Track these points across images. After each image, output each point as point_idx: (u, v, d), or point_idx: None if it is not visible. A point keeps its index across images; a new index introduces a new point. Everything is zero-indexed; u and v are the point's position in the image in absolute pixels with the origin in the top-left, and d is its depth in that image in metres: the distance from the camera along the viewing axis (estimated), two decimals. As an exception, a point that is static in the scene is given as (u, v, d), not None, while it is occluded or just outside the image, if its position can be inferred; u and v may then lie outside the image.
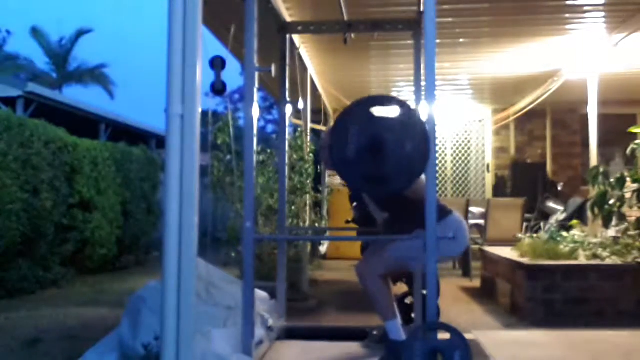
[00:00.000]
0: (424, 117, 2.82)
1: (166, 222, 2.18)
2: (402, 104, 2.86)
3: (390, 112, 2.87)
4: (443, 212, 3.25)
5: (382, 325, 3.69)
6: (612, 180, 5.17)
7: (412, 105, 2.88)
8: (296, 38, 5.77)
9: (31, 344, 3.93)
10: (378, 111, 2.88)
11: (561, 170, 10.31)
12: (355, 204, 5.79)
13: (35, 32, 22.69)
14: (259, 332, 3.43)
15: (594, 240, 5.21)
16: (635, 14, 5.46)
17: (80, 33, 23.56)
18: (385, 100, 3.01)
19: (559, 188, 9.52)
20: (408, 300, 4.22)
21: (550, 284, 4.65)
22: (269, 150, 6.14)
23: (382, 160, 2.79)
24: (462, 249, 3.50)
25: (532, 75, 7.83)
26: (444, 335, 2.67)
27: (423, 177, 3.06)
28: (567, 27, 5.95)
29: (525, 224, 7.49)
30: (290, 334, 3.83)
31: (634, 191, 5.08)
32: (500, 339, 4.00)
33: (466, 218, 7.08)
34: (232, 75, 4.56)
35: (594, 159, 6.50)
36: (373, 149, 2.77)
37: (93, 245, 7.69)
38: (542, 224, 7.62)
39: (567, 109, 10.05)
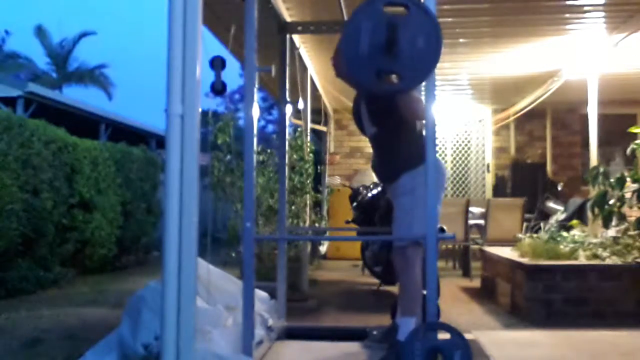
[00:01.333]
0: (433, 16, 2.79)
1: (166, 222, 2.18)
2: (414, 2, 2.83)
3: (402, 9, 2.85)
4: (420, 158, 3.30)
5: (382, 325, 3.70)
6: (612, 180, 5.17)
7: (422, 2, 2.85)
8: (296, 38, 5.77)
9: (31, 344, 3.93)
10: (389, 9, 2.86)
11: (561, 170, 10.31)
12: (355, 204, 5.82)
13: (39, 32, 22.69)
14: (259, 332, 3.44)
15: (594, 240, 5.21)
16: (635, 14, 5.46)
17: (83, 35, 23.61)
18: None
19: (559, 188, 9.51)
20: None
21: (550, 284, 4.65)
22: (269, 150, 6.14)
23: (395, 56, 2.76)
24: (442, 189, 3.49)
25: (532, 75, 7.83)
26: (444, 335, 2.67)
27: (420, 95, 3.11)
28: (567, 27, 5.95)
29: (525, 224, 7.49)
30: (290, 334, 3.83)
31: (634, 191, 5.08)
32: (500, 339, 4.00)
33: (466, 218, 7.09)
34: (232, 75, 4.57)
35: (594, 159, 6.49)
36: (386, 45, 2.74)
37: (93, 245, 7.69)
38: (542, 224, 7.61)
39: (567, 109, 10.05)
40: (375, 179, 5.04)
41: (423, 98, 3.11)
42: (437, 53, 2.77)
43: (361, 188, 5.97)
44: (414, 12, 2.80)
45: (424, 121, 3.22)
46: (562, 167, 10.33)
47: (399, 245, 3.37)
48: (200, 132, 2.26)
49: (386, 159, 3.54)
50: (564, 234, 5.38)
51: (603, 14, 5.59)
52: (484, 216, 7.37)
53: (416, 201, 3.22)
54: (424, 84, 2.89)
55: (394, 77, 2.96)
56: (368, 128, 3.56)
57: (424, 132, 3.02)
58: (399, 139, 3.43)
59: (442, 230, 3.86)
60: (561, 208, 7.82)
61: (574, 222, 6.08)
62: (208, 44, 2.64)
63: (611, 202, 5.13)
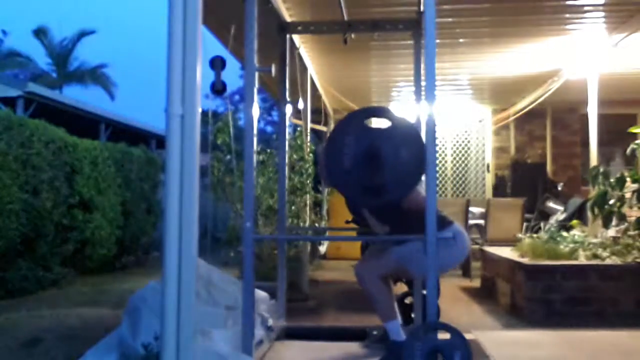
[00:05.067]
0: (423, 119, 2.82)
1: (166, 222, 2.18)
2: (395, 116, 2.86)
3: (385, 122, 2.87)
4: (443, 222, 3.25)
5: (382, 325, 3.70)
6: (612, 180, 5.17)
7: (407, 115, 2.88)
8: (296, 38, 5.77)
9: (31, 344, 3.93)
10: (372, 122, 2.89)
11: (561, 170, 10.31)
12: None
13: (39, 33, 22.67)
14: (259, 332, 3.44)
15: (594, 240, 5.22)
16: (635, 14, 5.46)
17: (83, 34, 23.58)
18: (379, 111, 3.00)
19: (559, 188, 9.52)
20: (408, 300, 4.22)
21: (550, 284, 4.65)
22: (269, 150, 6.14)
23: (378, 169, 2.80)
24: (462, 258, 3.48)
25: (532, 75, 7.83)
26: (444, 335, 2.67)
27: (421, 187, 3.07)
28: (567, 27, 5.95)
29: (525, 224, 7.49)
30: (290, 334, 3.83)
31: (634, 191, 5.08)
32: (500, 339, 4.00)
33: (466, 218, 7.09)
34: (232, 76, 4.56)
35: (594, 159, 6.49)
36: (369, 158, 2.77)
37: (93, 245, 7.69)
38: (542, 224, 7.62)
39: (567, 109, 10.05)
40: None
41: (423, 192, 3.13)
42: (422, 164, 2.78)
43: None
44: (397, 124, 2.82)
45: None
46: (562, 167, 10.33)
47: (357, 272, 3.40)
48: (200, 132, 2.26)
49: (403, 230, 3.39)
50: (564, 234, 5.38)
51: (603, 14, 5.59)
52: (484, 216, 7.37)
53: (410, 255, 3.21)
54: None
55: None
56: (380, 228, 3.47)
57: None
58: (415, 218, 3.15)
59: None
60: (561, 208, 7.82)
61: (574, 222, 6.08)
62: (208, 44, 2.64)
63: (611, 202, 5.13)
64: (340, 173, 2.86)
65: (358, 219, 3.72)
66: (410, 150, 2.81)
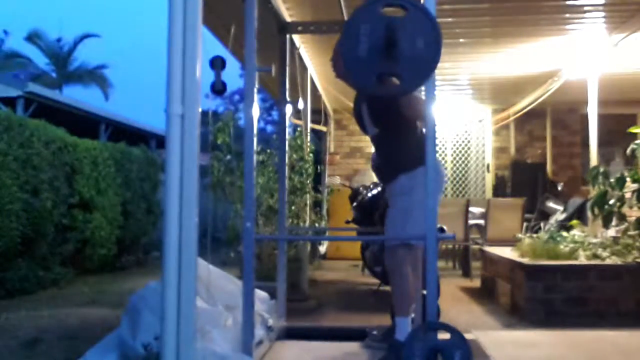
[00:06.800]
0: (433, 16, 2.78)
1: (166, 222, 2.18)
2: (412, 3, 2.81)
3: (401, 10, 2.84)
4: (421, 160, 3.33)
5: (382, 325, 3.70)
6: (612, 180, 5.17)
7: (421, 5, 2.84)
8: (296, 38, 5.77)
9: (31, 344, 3.93)
10: (389, 10, 2.85)
11: (561, 170, 10.31)
12: (355, 204, 5.82)
13: (33, 37, 22.64)
14: (259, 332, 3.44)
15: (594, 240, 5.21)
16: (635, 14, 5.46)
17: (86, 36, 23.62)
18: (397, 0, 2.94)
19: (559, 188, 9.52)
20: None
21: (550, 284, 4.65)
22: (269, 150, 6.14)
23: (394, 58, 2.75)
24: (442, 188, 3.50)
25: (532, 75, 7.83)
26: (444, 335, 2.67)
27: (422, 95, 3.10)
28: (567, 27, 5.95)
29: (525, 224, 7.49)
30: (290, 334, 3.83)
31: (634, 191, 5.07)
32: (500, 339, 4.00)
33: (466, 218, 7.09)
34: (232, 76, 4.56)
35: (594, 159, 6.49)
36: (385, 47, 2.72)
37: (93, 245, 7.69)
38: (542, 224, 7.62)
39: (567, 109, 10.05)
40: (375, 179, 5.03)
41: (423, 98, 3.10)
42: (437, 54, 2.76)
43: (361, 188, 5.96)
44: (412, 14, 2.78)
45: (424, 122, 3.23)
46: (562, 167, 10.33)
47: (390, 245, 3.38)
48: (200, 132, 2.26)
49: (386, 159, 3.55)
50: (564, 234, 5.37)
51: (603, 14, 5.59)
52: (484, 216, 7.36)
53: (412, 202, 3.25)
54: (423, 85, 2.89)
55: (394, 79, 2.95)
56: (370, 128, 3.56)
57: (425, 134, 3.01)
58: (400, 140, 3.43)
59: (442, 230, 3.86)
60: (561, 208, 7.82)
61: (574, 222, 6.08)
62: (208, 44, 2.64)
63: (611, 202, 5.13)
64: (355, 61, 2.81)
65: (355, 116, 3.70)
66: (426, 40, 2.76)
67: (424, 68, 2.79)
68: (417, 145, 3.27)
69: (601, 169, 5.39)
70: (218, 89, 2.93)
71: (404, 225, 3.29)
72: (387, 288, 5.70)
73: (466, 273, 7.12)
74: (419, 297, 3.38)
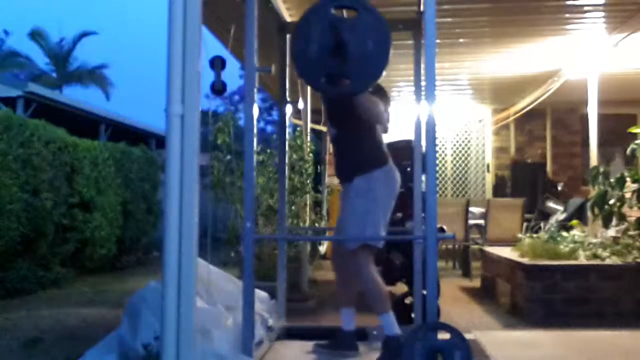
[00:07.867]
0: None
1: (166, 222, 2.18)
2: (363, 5, 2.84)
3: (352, 13, 2.86)
4: (376, 163, 3.27)
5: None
6: (612, 180, 5.17)
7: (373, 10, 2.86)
8: (296, 38, 5.76)
9: (31, 344, 3.93)
10: (339, 12, 2.88)
11: (561, 170, 10.31)
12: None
13: (35, 35, 22.64)
14: (259, 332, 3.44)
15: (594, 240, 5.22)
16: (635, 14, 5.46)
17: (84, 34, 23.59)
18: (346, 1, 2.96)
19: (559, 188, 9.52)
20: (408, 300, 4.22)
21: (550, 284, 4.65)
22: (269, 150, 6.14)
23: (343, 59, 2.77)
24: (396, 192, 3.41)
25: (532, 75, 7.82)
26: (444, 335, 2.67)
27: (382, 104, 3.19)
28: (567, 27, 5.95)
29: (525, 224, 7.49)
30: (290, 334, 3.83)
31: (634, 191, 5.08)
32: (500, 339, 4.00)
33: (466, 218, 7.09)
34: (232, 76, 4.56)
35: (594, 159, 6.49)
36: (334, 48, 2.75)
37: (93, 245, 7.69)
38: (542, 224, 7.62)
39: (567, 109, 10.05)
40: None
41: (379, 100, 3.14)
42: (386, 55, 2.78)
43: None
44: (363, 15, 2.81)
45: (386, 125, 3.28)
46: (562, 167, 10.33)
47: (352, 248, 3.35)
48: (200, 132, 2.26)
49: (343, 160, 3.52)
50: (564, 234, 5.38)
51: (603, 14, 5.59)
52: (484, 216, 7.37)
53: (369, 204, 3.27)
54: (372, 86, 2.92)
55: (347, 80, 2.97)
56: (329, 129, 3.58)
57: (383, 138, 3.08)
58: (357, 141, 3.42)
59: (441, 230, 3.86)
60: (561, 208, 7.82)
61: (574, 222, 6.08)
62: (208, 44, 2.64)
63: (611, 202, 5.13)
64: (305, 60, 2.84)
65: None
66: (376, 41, 2.79)
67: (373, 68, 2.82)
68: (374, 148, 3.30)
69: (601, 169, 5.39)
70: (218, 89, 2.94)
71: (363, 227, 3.29)
72: (387, 288, 5.71)
73: (466, 273, 7.12)
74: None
